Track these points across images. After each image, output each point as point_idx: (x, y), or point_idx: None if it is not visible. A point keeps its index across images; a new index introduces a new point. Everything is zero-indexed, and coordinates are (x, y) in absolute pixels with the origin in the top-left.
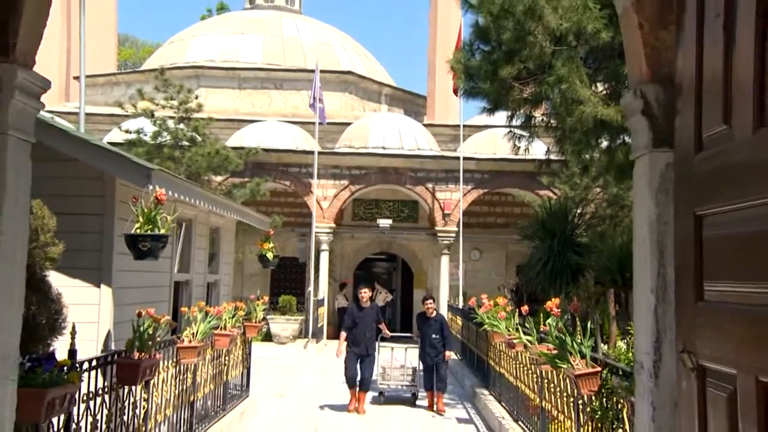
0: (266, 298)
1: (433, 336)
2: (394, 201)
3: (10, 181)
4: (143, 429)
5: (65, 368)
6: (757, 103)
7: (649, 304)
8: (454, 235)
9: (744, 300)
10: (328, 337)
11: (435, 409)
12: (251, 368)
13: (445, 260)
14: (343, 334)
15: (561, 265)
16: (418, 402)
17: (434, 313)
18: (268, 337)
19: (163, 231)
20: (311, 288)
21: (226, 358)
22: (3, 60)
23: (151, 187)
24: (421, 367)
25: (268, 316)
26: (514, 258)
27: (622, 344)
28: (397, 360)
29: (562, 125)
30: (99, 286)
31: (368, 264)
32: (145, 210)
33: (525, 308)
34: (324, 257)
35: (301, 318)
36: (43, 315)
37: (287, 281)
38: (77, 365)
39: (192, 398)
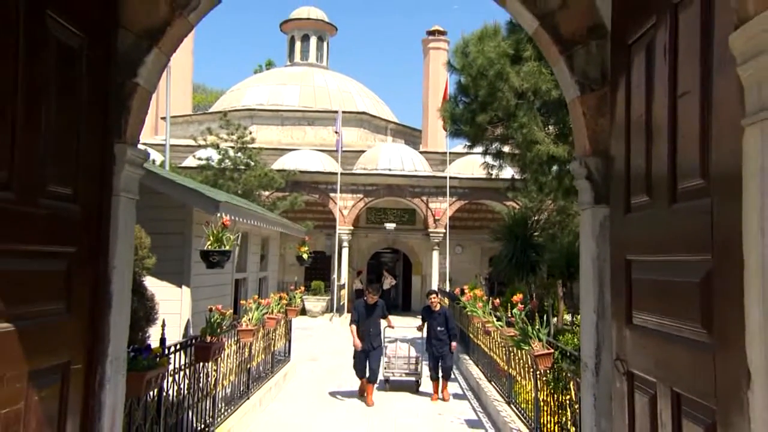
0: (303, 288)
1: (438, 328)
2: (397, 209)
3: (121, 229)
4: (213, 392)
5: (158, 355)
6: (671, 184)
7: (592, 320)
8: (442, 234)
9: (659, 328)
10: (348, 312)
11: (440, 397)
12: (291, 338)
13: (435, 254)
14: (354, 327)
15: (522, 260)
16: (421, 389)
17: (438, 306)
18: (303, 311)
19: (227, 247)
20: (335, 275)
21: (273, 334)
22: (118, 141)
23: (219, 215)
24: (427, 358)
25: (303, 296)
26: (487, 252)
27: (567, 317)
28: (401, 350)
29: (523, 158)
30: (181, 287)
31: (378, 256)
32: (215, 231)
33: (497, 301)
34: (345, 251)
35: (327, 298)
36: (141, 310)
37: (317, 269)
38: (166, 350)
39: (248, 366)
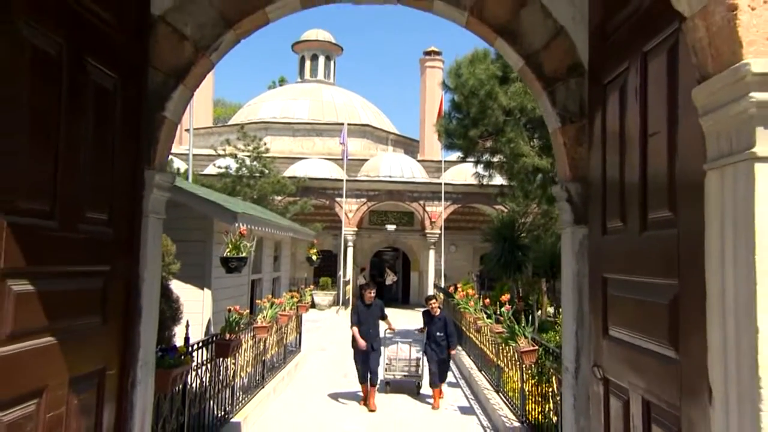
0: (312, 286)
1: (438, 333)
2: (397, 212)
3: (150, 247)
4: (232, 383)
5: (183, 354)
6: (643, 213)
7: (572, 329)
8: (437, 235)
9: (632, 341)
10: (353, 304)
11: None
12: (302, 331)
13: (432, 252)
14: (356, 330)
15: (510, 260)
16: (422, 391)
17: (438, 311)
18: (312, 305)
19: (244, 254)
20: (341, 272)
21: (285, 328)
22: (147, 168)
23: (236, 225)
24: (427, 363)
25: (312, 291)
26: (479, 251)
27: (550, 309)
28: (402, 351)
29: (511, 169)
30: (203, 289)
31: (380, 254)
32: (233, 240)
33: (487, 301)
34: (350, 250)
35: (334, 292)
36: (168, 311)
37: (325, 266)
38: (190, 347)
39: (263, 358)
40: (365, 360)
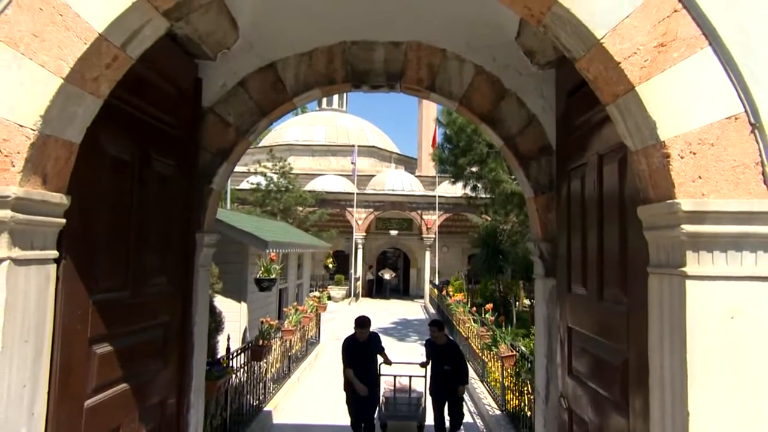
0: (328, 289)
1: (445, 367)
2: (399, 219)
3: (200, 295)
4: (264, 378)
5: (225, 367)
6: (600, 286)
7: (543, 362)
8: (432, 238)
9: (591, 385)
10: (363, 296)
11: None
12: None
13: (427, 253)
14: (350, 372)
15: (492, 264)
16: None
17: (444, 339)
18: (328, 297)
19: (274, 276)
20: (352, 270)
21: (308, 326)
22: (198, 231)
23: (267, 250)
24: (431, 404)
25: (328, 286)
26: (467, 252)
27: (526, 301)
28: (401, 386)
29: (493, 192)
30: (240, 303)
31: (384, 254)
32: (265, 263)
33: (474, 309)
34: (360, 251)
35: (347, 287)
36: (212, 323)
37: (339, 265)
38: (231, 355)
39: (289, 354)
40: (360, 407)
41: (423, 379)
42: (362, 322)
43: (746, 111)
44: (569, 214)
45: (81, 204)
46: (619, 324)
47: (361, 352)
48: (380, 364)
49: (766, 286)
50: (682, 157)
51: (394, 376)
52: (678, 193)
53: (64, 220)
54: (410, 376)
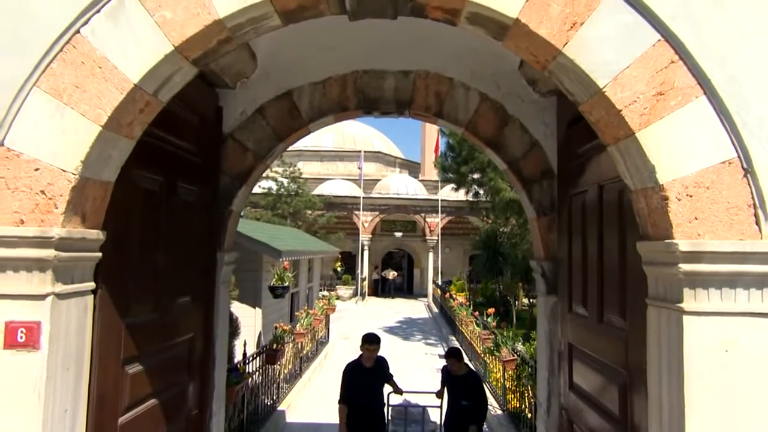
0: (338, 291)
1: (463, 402)
2: (403, 221)
3: (221, 310)
4: (278, 379)
5: (242, 372)
6: (600, 308)
7: (545, 375)
8: (435, 240)
9: (592, 399)
10: (369, 295)
11: None
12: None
13: (431, 254)
14: (343, 410)
15: (493, 265)
16: None
17: (464, 369)
18: (336, 297)
19: (287, 284)
20: (359, 270)
21: (318, 327)
22: (219, 250)
23: (281, 259)
24: None
25: (336, 285)
26: (468, 253)
27: (525, 300)
28: (411, 419)
29: (493, 199)
30: (255, 308)
31: (389, 255)
32: (278, 272)
33: (476, 314)
34: (366, 252)
35: (354, 286)
36: (229, 328)
37: (347, 265)
38: (247, 360)
39: (300, 355)
40: None
41: (438, 410)
42: (372, 339)
43: (739, 156)
44: (570, 237)
45: (115, 236)
46: (618, 348)
47: (365, 381)
48: (389, 393)
49: (759, 321)
50: (679, 200)
51: (405, 407)
52: (676, 233)
53: (100, 254)
54: (424, 407)
